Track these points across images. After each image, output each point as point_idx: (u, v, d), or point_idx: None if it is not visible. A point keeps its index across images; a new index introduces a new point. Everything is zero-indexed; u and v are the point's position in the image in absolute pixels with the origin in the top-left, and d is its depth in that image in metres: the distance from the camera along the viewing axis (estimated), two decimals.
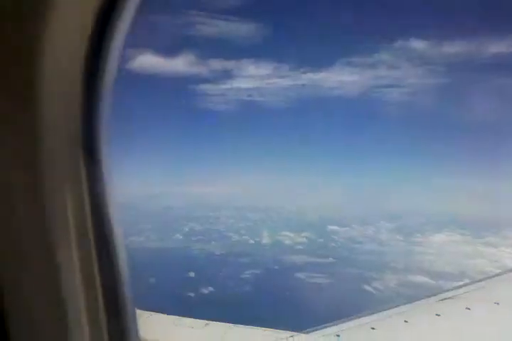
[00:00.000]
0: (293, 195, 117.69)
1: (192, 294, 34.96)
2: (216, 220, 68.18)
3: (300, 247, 55.01)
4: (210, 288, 36.81)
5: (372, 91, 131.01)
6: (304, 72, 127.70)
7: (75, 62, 0.87)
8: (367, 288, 38.21)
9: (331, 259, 48.39)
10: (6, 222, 0.95)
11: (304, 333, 5.75)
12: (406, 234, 62.29)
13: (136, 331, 1.23)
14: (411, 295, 36.20)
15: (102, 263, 1.12)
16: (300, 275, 41.30)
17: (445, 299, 5.18)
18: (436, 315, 5.13)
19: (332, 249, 54.36)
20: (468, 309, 5.01)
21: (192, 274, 40.12)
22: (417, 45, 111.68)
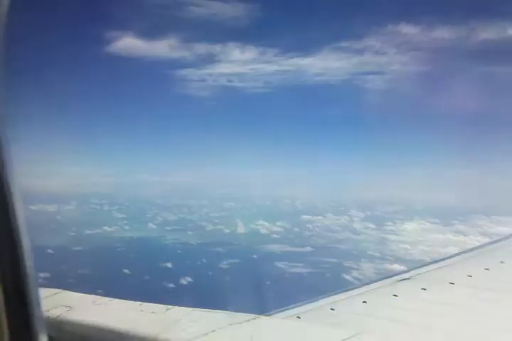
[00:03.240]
0: (268, 184, 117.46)
1: (171, 285, 34.08)
2: (190, 209, 67.15)
3: (276, 236, 54.78)
4: (189, 279, 36.01)
5: (354, 78, 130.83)
6: (291, 57, 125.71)
7: None
8: (346, 277, 38.29)
9: (308, 248, 48.36)
10: None
11: (266, 315, 5.51)
12: (378, 223, 63.07)
13: (41, 316, 1.19)
14: None
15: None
16: (280, 264, 41.03)
17: (402, 280, 5.07)
18: (394, 295, 5.12)
19: (308, 238, 54.46)
20: (424, 289, 5.01)
21: (169, 264, 39.19)
22: (408, 29, 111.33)
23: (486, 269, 3.93)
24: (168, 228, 56.45)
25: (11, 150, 1.09)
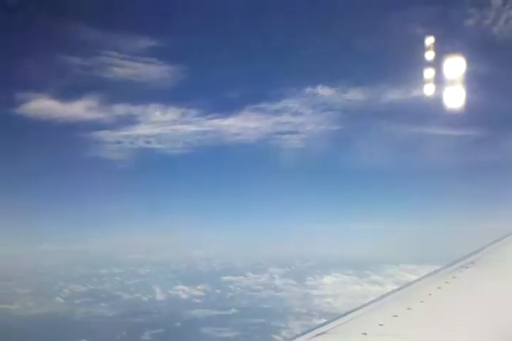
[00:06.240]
0: (181, 246, 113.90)
1: None
2: (101, 279, 62.44)
3: (198, 300, 52.50)
4: None
5: (271, 137, 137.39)
6: (211, 118, 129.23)
7: None
8: (276, 337, 37.29)
9: (233, 310, 46.77)
10: None
11: None
12: (298, 278, 63.40)
13: None
14: None
15: None
16: (206, 330, 38.93)
17: (318, 335, 5.38)
18: None
19: (231, 300, 52.82)
20: None
21: None
22: (324, 92, 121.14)
23: (395, 316, 4.11)
24: (77, 301, 51.70)
25: None
